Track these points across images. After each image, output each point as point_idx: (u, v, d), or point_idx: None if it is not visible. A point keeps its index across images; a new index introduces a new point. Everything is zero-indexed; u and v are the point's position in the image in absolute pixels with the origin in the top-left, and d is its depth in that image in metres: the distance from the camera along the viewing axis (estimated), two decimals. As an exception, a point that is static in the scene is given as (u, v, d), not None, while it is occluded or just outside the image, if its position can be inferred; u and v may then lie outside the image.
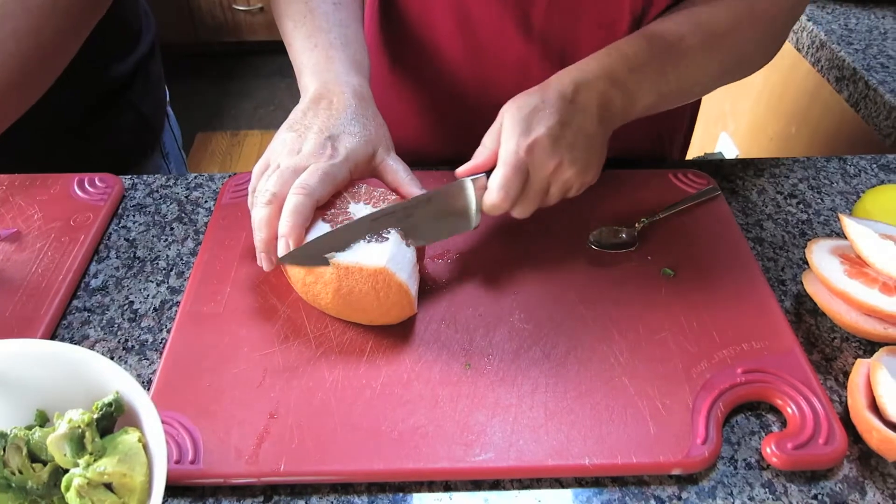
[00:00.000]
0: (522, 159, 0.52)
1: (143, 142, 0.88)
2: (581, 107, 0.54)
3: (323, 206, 0.53)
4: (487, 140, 0.55)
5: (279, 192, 0.51)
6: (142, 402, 0.42)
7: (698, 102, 0.84)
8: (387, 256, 0.50)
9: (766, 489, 0.46)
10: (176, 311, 0.57)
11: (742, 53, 0.63)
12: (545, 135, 0.52)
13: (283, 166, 0.53)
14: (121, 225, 0.66)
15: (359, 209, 0.54)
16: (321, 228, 0.52)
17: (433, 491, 0.45)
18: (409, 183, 0.56)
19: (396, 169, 0.57)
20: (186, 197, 0.69)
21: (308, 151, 0.53)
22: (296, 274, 0.52)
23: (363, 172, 0.56)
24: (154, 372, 0.52)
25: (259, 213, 0.52)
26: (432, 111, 0.77)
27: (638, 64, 0.57)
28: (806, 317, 0.57)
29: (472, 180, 0.55)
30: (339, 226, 0.52)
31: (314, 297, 0.52)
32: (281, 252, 0.50)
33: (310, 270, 0.51)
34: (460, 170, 0.56)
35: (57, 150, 0.80)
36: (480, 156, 0.55)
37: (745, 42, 0.63)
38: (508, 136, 0.53)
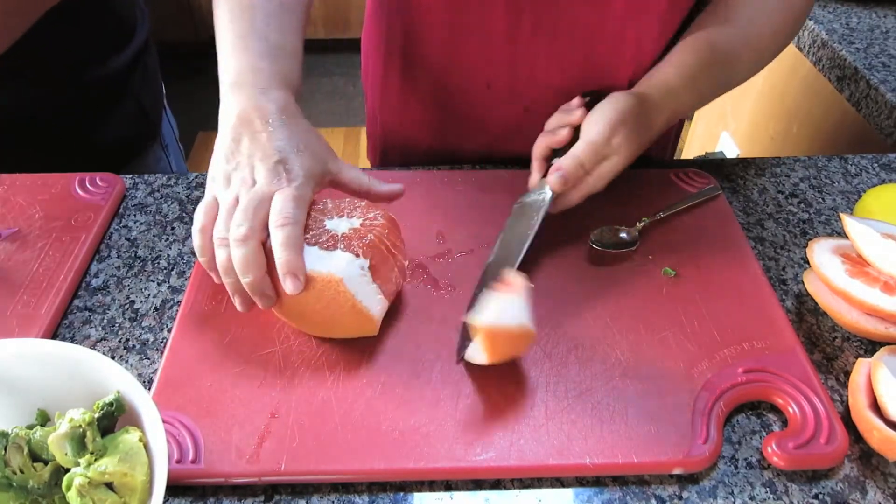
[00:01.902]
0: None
1: (143, 134, 0.88)
2: (644, 148, 0.61)
3: None
4: (583, 151, 0.58)
5: (255, 226, 0.48)
6: (143, 402, 0.42)
7: None
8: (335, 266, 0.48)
9: (767, 489, 0.46)
10: (177, 310, 0.57)
11: (773, 55, 0.67)
12: (608, 176, 0.59)
13: (246, 201, 0.48)
14: (122, 224, 0.66)
15: (335, 224, 0.52)
16: (308, 252, 0.49)
17: (434, 490, 0.45)
18: (375, 184, 0.55)
19: (354, 176, 0.55)
20: (187, 196, 0.69)
21: (265, 180, 0.49)
22: None
23: (321, 187, 0.53)
24: (155, 371, 0.52)
25: (237, 252, 0.47)
26: (426, 96, 0.76)
27: (696, 96, 0.63)
28: (807, 316, 0.57)
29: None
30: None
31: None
32: (293, 290, 0.47)
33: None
34: (535, 179, 0.61)
35: (59, 145, 0.80)
36: (574, 175, 0.58)
37: (780, 45, 0.66)
38: (602, 179, 0.59)
